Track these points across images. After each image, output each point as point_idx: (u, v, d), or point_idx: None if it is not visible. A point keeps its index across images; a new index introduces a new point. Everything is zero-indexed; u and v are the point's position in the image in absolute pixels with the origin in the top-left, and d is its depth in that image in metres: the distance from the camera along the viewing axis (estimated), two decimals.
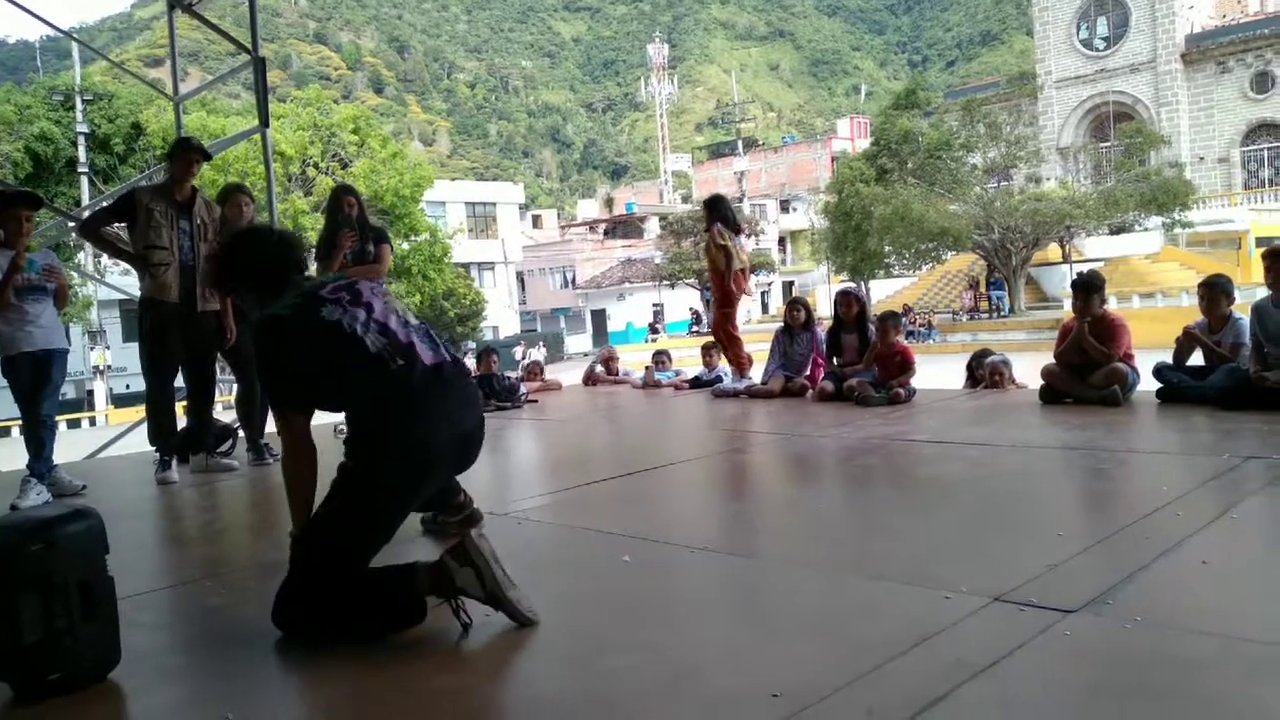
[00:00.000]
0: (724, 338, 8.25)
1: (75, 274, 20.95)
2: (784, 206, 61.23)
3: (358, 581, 2.47)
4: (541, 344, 34.53)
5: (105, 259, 26.13)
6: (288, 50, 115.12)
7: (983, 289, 35.21)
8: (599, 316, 50.91)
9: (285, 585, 2.49)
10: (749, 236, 45.36)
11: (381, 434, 2.51)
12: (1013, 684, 1.95)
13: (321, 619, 2.45)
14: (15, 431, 17.36)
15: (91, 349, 30.64)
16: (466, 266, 42.14)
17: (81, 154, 28.86)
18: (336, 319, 2.53)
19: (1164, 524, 2.99)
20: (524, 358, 27.39)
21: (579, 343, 48.50)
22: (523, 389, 8.62)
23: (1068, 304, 6.78)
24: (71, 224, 9.58)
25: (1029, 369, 7.46)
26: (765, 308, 51.62)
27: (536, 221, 63.25)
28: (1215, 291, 5.68)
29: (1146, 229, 35.89)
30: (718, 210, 8.11)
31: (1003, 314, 33.14)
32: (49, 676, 2.16)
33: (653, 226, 55.52)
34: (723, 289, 8.05)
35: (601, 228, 60.36)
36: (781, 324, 7.97)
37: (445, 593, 2.41)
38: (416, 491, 2.61)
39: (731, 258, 7.91)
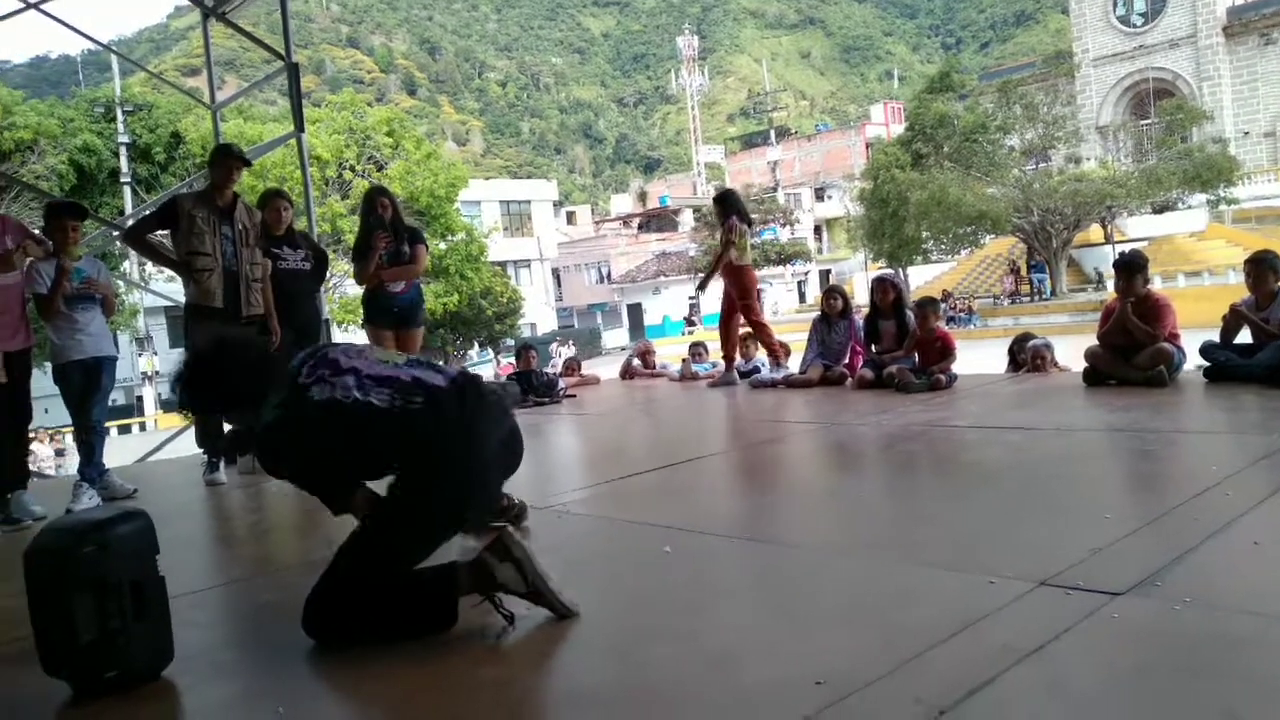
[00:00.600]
0: (755, 329, 8.23)
1: (121, 282, 21.37)
2: (819, 194, 60.79)
3: (398, 585, 2.46)
4: (571, 342, 34.50)
5: (150, 266, 26.64)
6: (321, 55, 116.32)
7: (1023, 272, 34.71)
8: (635, 310, 50.94)
9: (319, 591, 2.45)
10: (784, 226, 45.23)
11: (431, 465, 2.45)
12: (1060, 667, 1.93)
13: (359, 624, 2.42)
14: (68, 438, 17.75)
15: (139, 355, 31.27)
16: (503, 265, 42.35)
17: (124, 164, 29.40)
18: (329, 396, 2.43)
19: (1213, 504, 2.94)
20: (556, 355, 27.50)
21: (616, 337, 48.58)
22: (561, 384, 8.67)
23: (1110, 285, 6.65)
24: (116, 233, 9.78)
25: (1072, 351, 7.35)
26: (802, 296, 51.33)
27: (571, 218, 63.39)
28: (1262, 267, 5.56)
29: (1190, 207, 35.17)
30: (732, 204, 8.10)
31: (1044, 297, 32.65)
32: (105, 675, 2.22)
33: (686, 219, 55.42)
34: (741, 283, 8.03)
35: (635, 222, 60.34)
36: (819, 312, 7.92)
37: (487, 589, 2.43)
38: (471, 505, 2.58)
39: (744, 251, 7.93)
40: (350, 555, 2.47)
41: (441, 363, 3.02)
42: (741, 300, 8.10)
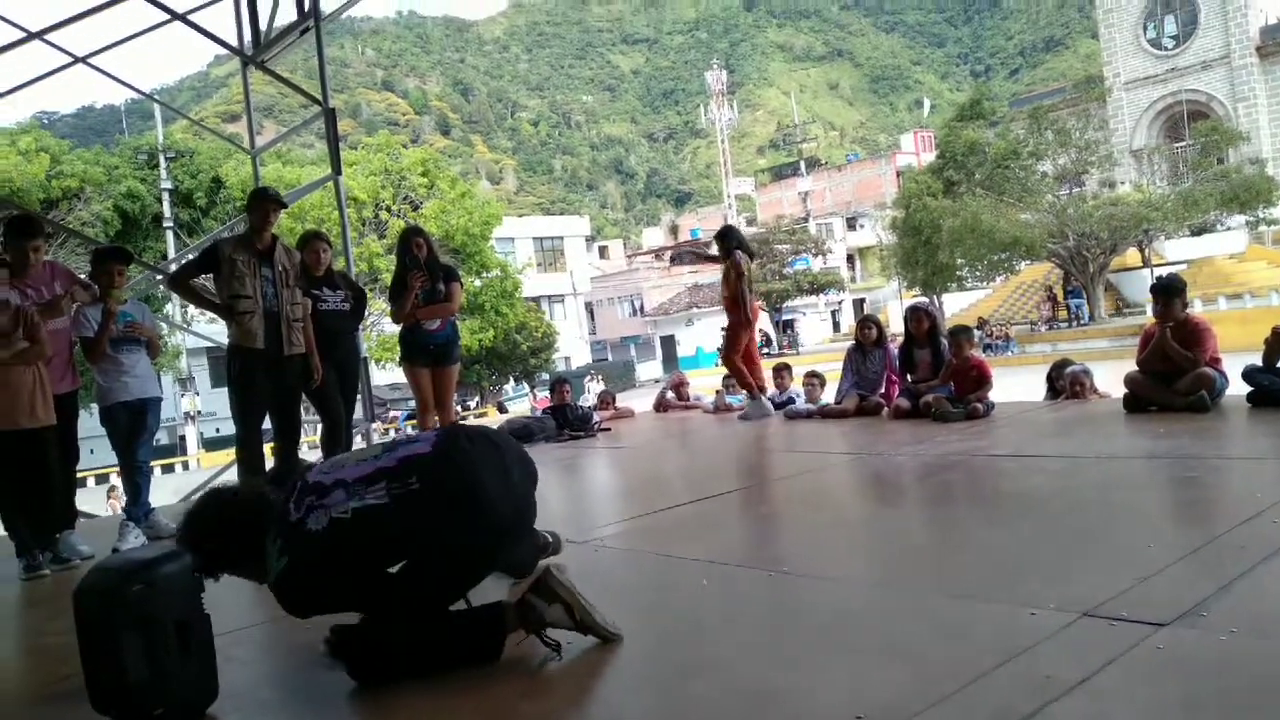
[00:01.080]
0: (740, 366, 8.20)
1: (164, 324, 21.76)
2: (850, 224, 60.74)
3: (446, 625, 2.49)
4: (600, 376, 34.47)
5: (191, 309, 27.12)
6: (357, 99, 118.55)
7: (1060, 298, 34.35)
8: (668, 343, 50.99)
9: (360, 633, 2.46)
10: (816, 255, 45.17)
11: (450, 525, 2.40)
12: (1104, 700, 1.90)
13: (404, 663, 2.42)
14: (113, 478, 18.03)
15: (182, 395, 31.76)
16: (537, 300, 42.67)
17: (166, 209, 30.08)
18: (325, 523, 2.36)
19: (1259, 532, 2.88)
20: (586, 390, 27.56)
21: (649, 370, 48.62)
22: (596, 417, 8.70)
23: (1149, 309, 6.58)
24: (159, 277, 9.99)
25: (1112, 377, 7.26)
26: (836, 326, 51.13)
27: (603, 252, 63.80)
28: None
29: (1229, 228, 34.67)
30: (734, 239, 8.16)
31: (1082, 322, 32.26)
32: (153, 712, 2.25)
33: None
34: (744, 316, 8.04)
35: (667, 255, 60.57)
36: (853, 342, 7.90)
37: (534, 628, 2.45)
38: (503, 544, 2.56)
39: (750, 285, 8.02)
40: (394, 599, 2.43)
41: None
42: (744, 333, 8.10)
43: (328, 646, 2.54)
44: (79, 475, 5.71)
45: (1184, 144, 38.90)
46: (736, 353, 8.13)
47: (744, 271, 7.96)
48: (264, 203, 5.37)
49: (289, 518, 2.41)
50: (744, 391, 8.25)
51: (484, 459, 2.50)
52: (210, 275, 5.39)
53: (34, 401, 4.55)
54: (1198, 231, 34.89)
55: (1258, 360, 5.58)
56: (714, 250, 8.35)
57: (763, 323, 44.07)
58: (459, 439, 2.53)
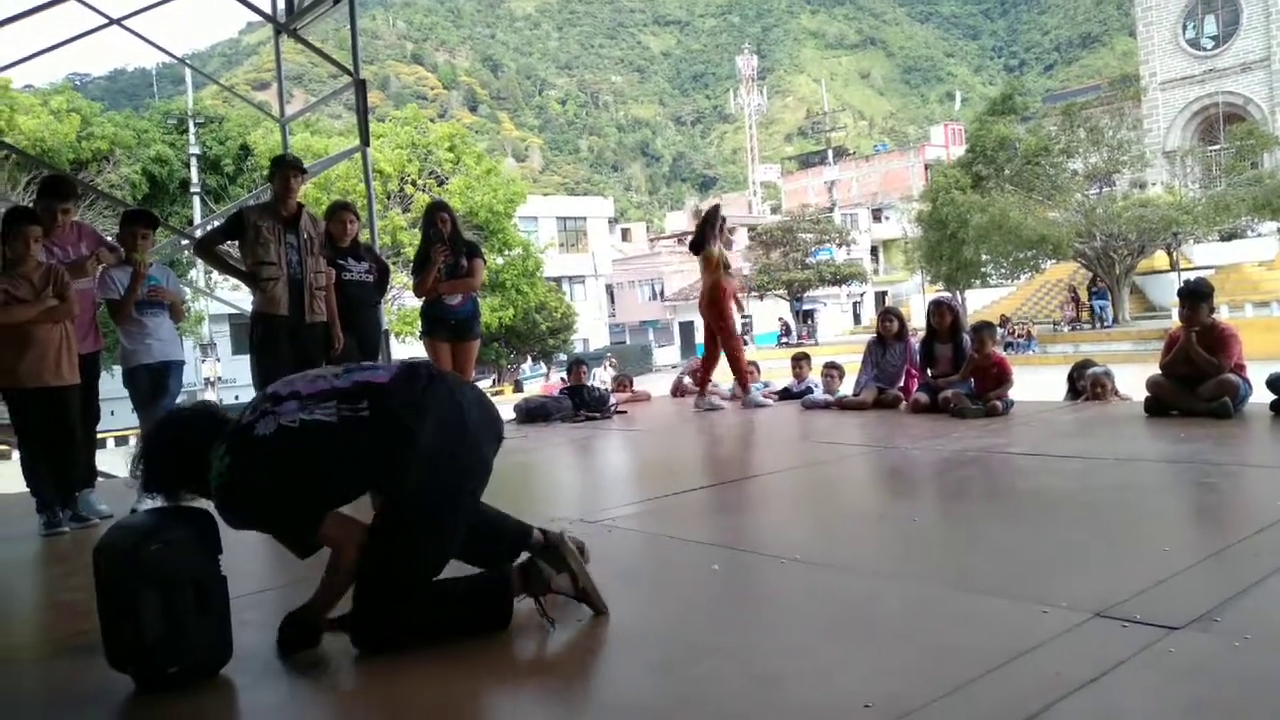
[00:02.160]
0: (739, 355, 8.25)
1: (188, 289, 21.94)
2: (876, 215, 60.33)
3: (454, 590, 2.52)
4: (609, 362, 34.30)
5: (215, 275, 27.30)
6: (387, 71, 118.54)
7: (1084, 298, 34.06)
8: (687, 328, 50.89)
9: (366, 601, 2.42)
10: (840, 246, 44.93)
11: (408, 452, 2.37)
12: (1112, 701, 1.90)
13: (414, 629, 2.44)
14: (133, 440, 18.24)
15: (203, 361, 32.01)
16: (558, 280, 42.71)
17: (194, 175, 30.28)
18: (274, 428, 2.33)
19: (1277, 540, 2.86)
20: (597, 374, 27.53)
21: (667, 355, 48.59)
22: (612, 400, 8.71)
23: (1175, 313, 6.51)
24: (185, 242, 10.06)
25: (1135, 380, 7.20)
26: (857, 318, 50.91)
27: (626, 235, 63.68)
28: None
29: (1260, 235, 34.24)
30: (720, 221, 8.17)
31: (1106, 324, 31.99)
32: (168, 670, 2.28)
33: (741, 237, 55.28)
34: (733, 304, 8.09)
35: (690, 240, 60.38)
36: (874, 334, 7.88)
37: (538, 592, 2.50)
38: (468, 475, 2.52)
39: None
40: (379, 564, 2.41)
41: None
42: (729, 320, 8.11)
43: (280, 638, 2.50)
44: (99, 436, 5.76)
45: (1218, 147, 38.37)
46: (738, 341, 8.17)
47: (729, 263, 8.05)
48: (283, 169, 5.38)
49: (240, 423, 2.40)
50: (743, 380, 8.29)
51: (440, 398, 2.46)
52: (236, 242, 5.42)
53: (60, 360, 4.61)
54: (1227, 237, 34.47)
55: None
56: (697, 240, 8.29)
57: (783, 311, 43.98)
58: (418, 375, 2.50)
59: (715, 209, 8.50)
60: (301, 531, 2.43)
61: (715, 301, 8.04)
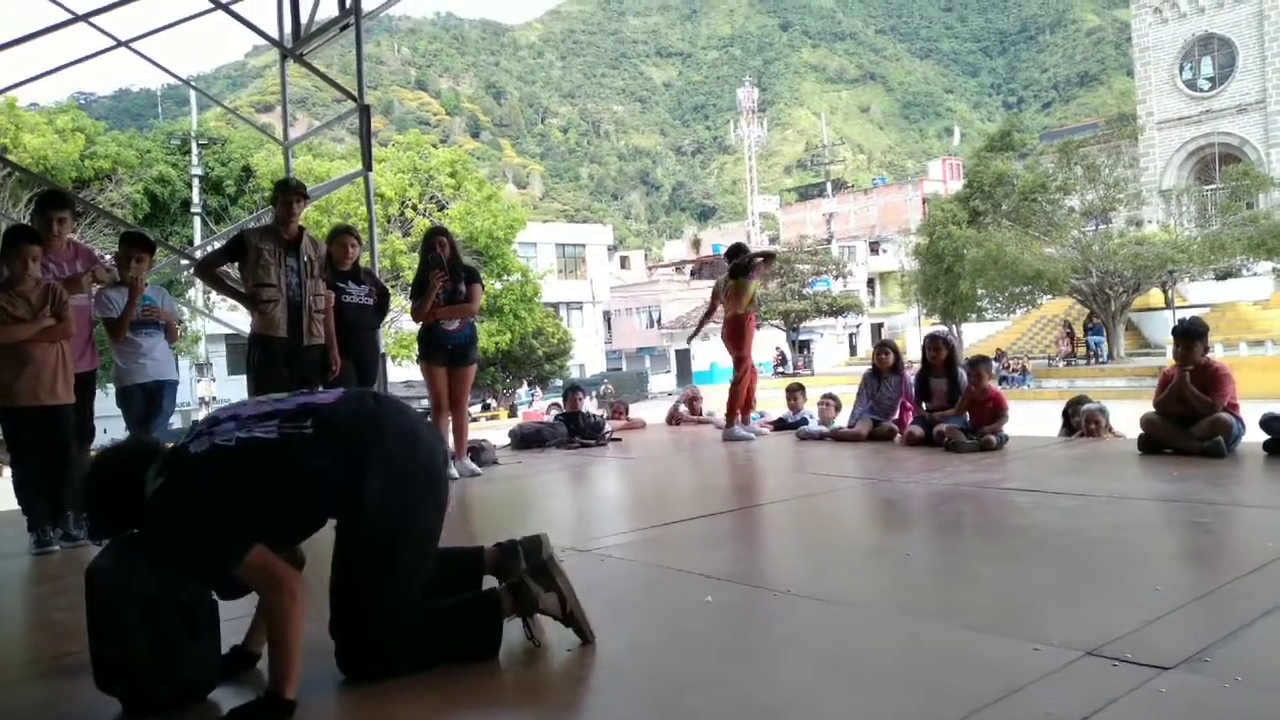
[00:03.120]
0: (749, 389, 8.27)
1: (185, 309, 21.94)
2: (874, 248, 60.62)
3: (441, 612, 2.50)
4: (594, 393, 34.03)
5: (213, 295, 27.34)
6: (390, 96, 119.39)
7: (1080, 334, 34.17)
8: (683, 356, 50.95)
9: (352, 628, 2.38)
10: (837, 278, 45.10)
11: (366, 466, 2.30)
12: None
13: (406, 656, 2.40)
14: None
15: (198, 381, 31.97)
16: (555, 306, 42.80)
17: (196, 195, 30.34)
18: (207, 447, 2.26)
19: (1269, 581, 2.86)
20: (592, 399, 27.39)
21: (663, 382, 48.59)
22: (607, 427, 8.71)
23: (1170, 350, 6.54)
24: (185, 262, 10.09)
25: (1129, 417, 7.22)
26: (853, 349, 50.99)
27: (624, 262, 63.92)
28: None
29: (1256, 274, 34.44)
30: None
31: (1101, 360, 32.08)
32: (157, 692, 2.27)
33: None
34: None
35: (688, 268, 60.60)
36: (870, 366, 7.90)
37: (526, 611, 2.50)
38: (435, 487, 2.49)
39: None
40: (353, 590, 2.36)
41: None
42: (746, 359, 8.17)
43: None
44: (92, 455, 5.75)
45: (1214, 186, 38.68)
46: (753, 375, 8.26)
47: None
48: (286, 194, 5.44)
49: (175, 445, 2.34)
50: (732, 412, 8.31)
51: (390, 412, 2.44)
52: (236, 263, 5.45)
53: (55, 379, 4.61)
54: (1223, 276, 34.68)
55: (1276, 408, 5.55)
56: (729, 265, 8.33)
57: (779, 341, 44.06)
58: (365, 397, 2.48)
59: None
60: (226, 559, 2.21)
61: (741, 334, 8.11)
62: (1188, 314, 6.72)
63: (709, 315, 8.96)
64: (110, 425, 8.05)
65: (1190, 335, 5.70)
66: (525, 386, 38.36)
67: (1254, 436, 5.56)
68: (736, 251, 8.25)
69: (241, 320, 5.86)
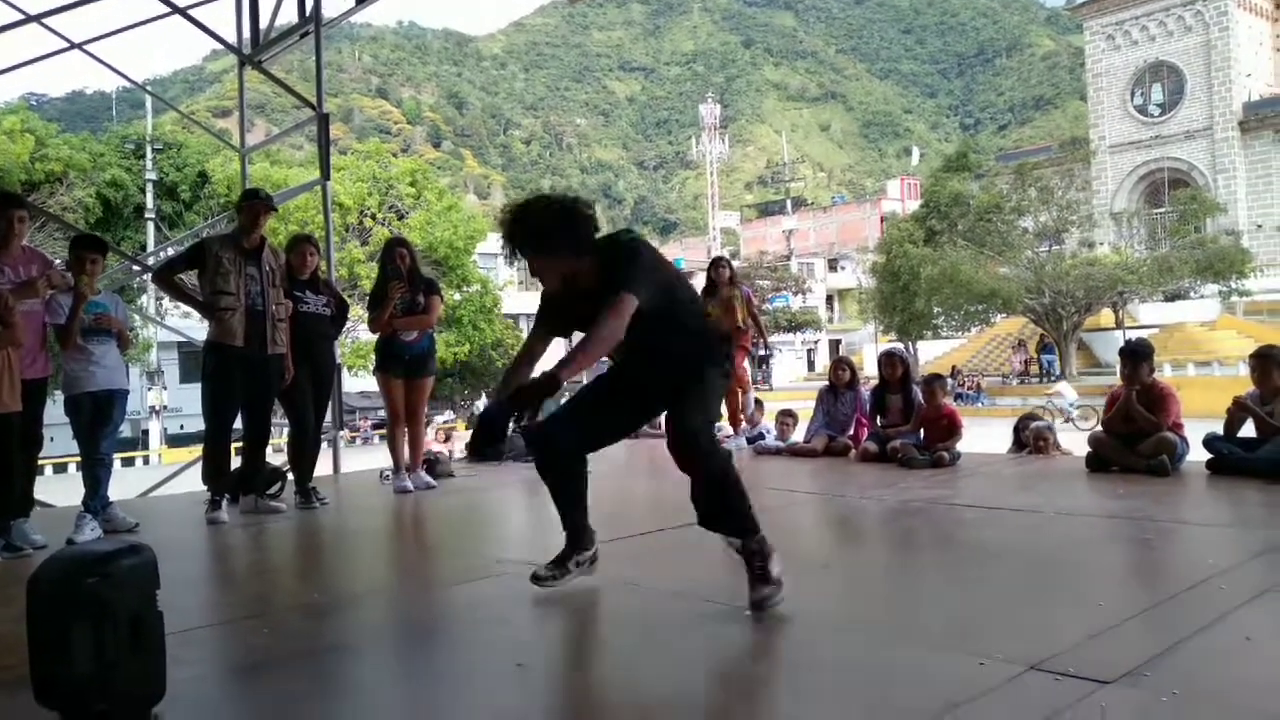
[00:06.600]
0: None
1: (137, 316, 21.56)
2: (832, 265, 61.22)
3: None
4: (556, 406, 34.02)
5: (165, 302, 26.90)
6: (351, 104, 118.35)
7: (1033, 353, 34.77)
8: None
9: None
10: (796, 294, 45.49)
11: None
12: None
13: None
14: (73, 468, 17.76)
15: (149, 389, 31.37)
16: (515, 318, 42.59)
17: (149, 200, 29.83)
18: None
19: (1207, 597, 2.94)
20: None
21: None
22: None
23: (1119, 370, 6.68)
24: (137, 268, 9.93)
25: (1077, 435, 7.36)
26: (811, 365, 51.41)
27: None
28: (1268, 363, 5.59)
29: (1203, 296, 35.30)
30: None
31: (1053, 378, 32.64)
32: (97, 708, 2.22)
33: (699, 282, 55.71)
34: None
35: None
36: (826, 382, 7.97)
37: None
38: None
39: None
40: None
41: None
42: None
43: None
44: (39, 463, 5.63)
45: (1163, 210, 39.66)
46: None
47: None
48: (255, 204, 5.42)
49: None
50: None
51: None
52: (195, 271, 5.39)
53: (1, 386, 4.51)
54: (1171, 297, 35.48)
55: (1219, 429, 5.69)
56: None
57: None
58: None
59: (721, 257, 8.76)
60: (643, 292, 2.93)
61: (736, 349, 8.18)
62: (1137, 334, 6.89)
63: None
64: (57, 433, 7.90)
65: (1136, 355, 5.84)
66: (484, 398, 38.14)
67: (1197, 455, 5.69)
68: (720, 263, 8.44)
69: (194, 327, 5.78)
